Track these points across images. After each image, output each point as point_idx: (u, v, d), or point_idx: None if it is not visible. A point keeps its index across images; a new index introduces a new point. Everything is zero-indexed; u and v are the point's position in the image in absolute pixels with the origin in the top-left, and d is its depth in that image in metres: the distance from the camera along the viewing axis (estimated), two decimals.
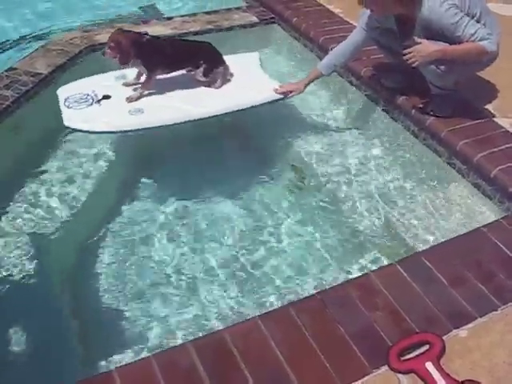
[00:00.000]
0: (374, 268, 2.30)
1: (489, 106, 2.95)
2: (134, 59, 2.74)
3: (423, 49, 2.50)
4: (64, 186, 2.84)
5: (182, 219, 2.70)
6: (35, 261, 2.41)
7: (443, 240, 2.31)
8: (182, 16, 4.08)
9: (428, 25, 2.49)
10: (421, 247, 2.43)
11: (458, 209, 2.67)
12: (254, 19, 4.10)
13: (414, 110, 2.90)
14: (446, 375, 1.65)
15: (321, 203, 2.84)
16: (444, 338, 1.76)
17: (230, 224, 2.70)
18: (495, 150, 2.61)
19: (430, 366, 1.67)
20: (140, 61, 2.77)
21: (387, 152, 3.11)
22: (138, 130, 2.71)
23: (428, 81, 2.76)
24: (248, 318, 1.91)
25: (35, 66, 3.28)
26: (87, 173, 2.94)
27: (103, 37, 3.44)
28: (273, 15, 4.15)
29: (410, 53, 2.52)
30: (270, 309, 2.11)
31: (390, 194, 2.85)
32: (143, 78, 2.89)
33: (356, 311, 1.86)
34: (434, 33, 2.49)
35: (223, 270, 2.45)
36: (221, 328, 1.87)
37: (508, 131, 2.77)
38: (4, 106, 2.89)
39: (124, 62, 2.73)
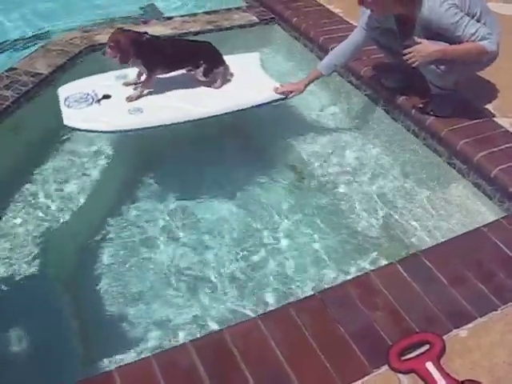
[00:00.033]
0: (373, 268, 2.30)
1: (489, 106, 2.95)
2: (134, 58, 2.74)
3: (423, 49, 2.50)
4: (64, 186, 2.84)
5: (181, 219, 2.70)
6: (35, 261, 2.41)
7: (443, 240, 2.31)
8: (182, 16, 4.09)
9: (428, 25, 2.49)
10: (420, 247, 2.43)
11: (458, 208, 2.67)
12: (254, 19, 4.10)
13: (414, 110, 2.90)
14: (446, 375, 1.65)
15: (321, 203, 2.84)
16: (444, 337, 1.76)
17: (229, 224, 2.69)
18: (495, 149, 2.61)
19: (430, 365, 1.67)
20: (140, 60, 2.77)
21: (387, 152, 3.11)
22: (138, 129, 2.71)
23: (428, 81, 2.76)
24: (248, 318, 1.91)
25: (35, 66, 3.28)
26: (87, 173, 2.94)
27: (103, 37, 3.44)
28: (273, 15, 4.15)
29: (410, 53, 2.52)
30: (270, 309, 2.11)
31: (389, 194, 2.84)
32: (143, 78, 2.89)
33: (356, 311, 1.86)
34: (434, 33, 2.49)
35: (223, 270, 2.45)
36: (221, 328, 1.87)
37: (508, 131, 2.77)
38: (4, 106, 2.89)
39: (124, 62, 2.73)
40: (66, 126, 2.67)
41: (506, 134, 2.75)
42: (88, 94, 2.84)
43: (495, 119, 2.85)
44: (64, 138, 3.10)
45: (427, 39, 2.50)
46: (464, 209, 2.65)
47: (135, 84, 2.93)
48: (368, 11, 2.68)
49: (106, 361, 2.02)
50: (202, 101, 2.88)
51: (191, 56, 2.94)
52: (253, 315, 1.91)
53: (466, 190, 2.68)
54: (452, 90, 2.76)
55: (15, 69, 3.23)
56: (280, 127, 3.31)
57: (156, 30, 3.69)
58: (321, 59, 3.05)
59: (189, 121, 2.77)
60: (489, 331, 1.81)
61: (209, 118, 2.82)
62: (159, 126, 2.73)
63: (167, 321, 2.22)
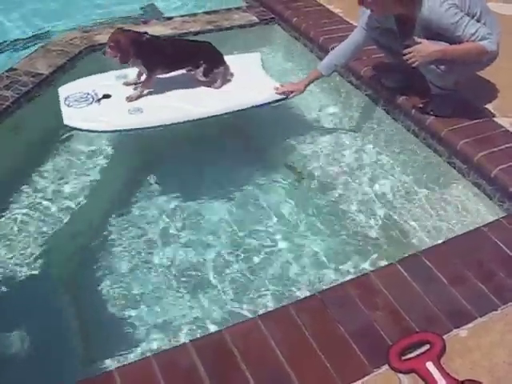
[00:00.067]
0: (372, 269, 2.30)
1: (489, 106, 2.95)
2: (134, 58, 2.74)
3: (423, 49, 2.50)
4: (64, 186, 2.84)
5: (181, 219, 2.70)
6: (35, 261, 2.41)
7: (443, 239, 2.31)
8: (182, 16, 4.09)
9: (428, 25, 2.48)
10: (420, 247, 2.43)
11: (458, 208, 2.67)
12: (254, 19, 4.10)
13: (414, 110, 2.90)
14: (446, 375, 1.65)
15: (320, 203, 2.84)
16: (444, 337, 1.76)
17: (229, 224, 2.69)
18: (495, 149, 2.61)
19: (430, 365, 1.67)
20: (140, 60, 2.77)
21: (387, 152, 3.11)
22: (138, 129, 2.71)
23: (428, 81, 2.76)
24: (248, 318, 1.91)
25: (35, 66, 3.28)
26: (87, 173, 2.94)
27: (103, 37, 3.44)
28: (273, 15, 4.15)
29: (409, 53, 2.52)
30: (270, 309, 2.11)
31: (389, 194, 2.84)
32: (143, 78, 2.89)
33: (356, 311, 1.86)
34: (434, 33, 2.48)
35: (223, 269, 2.45)
36: (221, 328, 1.87)
37: (508, 131, 2.77)
38: (4, 106, 2.89)
39: (124, 61, 2.74)
40: (65, 125, 2.67)
41: (506, 134, 2.75)
42: (88, 94, 2.85)
43: (495, 119, 2.85)
44: (64, 138, 3.09)
45: (427, 39, 2.50)
46: (464, 209, 2.65)
47: (135, 84, 2.93)
48: (368, 11, 2.68)
49: (106, 361, 2.02)
50: (201, 101, 2.88)
51: (191, 56, 2.94)
52: (253, 316, 1.90)
53: (466, 189, 2.68)
54: (452, 90, 2.76)
55: (15, 69, 3.23)
56: (280, 127, 3.31)
57: (156, 29, 3.69)
58: (321, 59, 3.05)
59: (189, 121, 2.77)
60: (489, 331, 1.81)
61: (209, 118, 2.82)
62: (159, 126, 2.73)
63: (167, 321, 2.22)
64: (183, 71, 2.97)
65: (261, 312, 2.09)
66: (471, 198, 2.65)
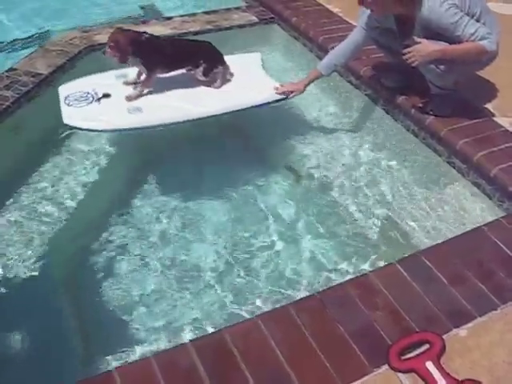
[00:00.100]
0: (372, 269, 2.30)
1: (488, 106, 2.95)
2: (133, 58, 2.74)
3: (423, 48, 2.50)
4: (64, 186, 2.84)
5: (181, 219, 2.70)
6: (35, 261, 2.41)
7: (443, 239, 2.31)
8: (182, 16, 4.09)
9: (428, 24, 2.48)
10: (420, 247, 2.43)
11: (458, 208, 2.67)
12: (254, 19, 4.10)
13: (413, 110, 2.90)
14: (446, 374, 1.65)
15: (320, 203, 2.84)
16: (444, 337, 1.76)
17: (229, 224, 2.69)
18: (495, 149, 2.61)
19: (430, 365, 1.67)
20: (139, 60, 2.77)
21: (387, 152, 3.11)
22: (137, 128, 2.72)
23: (428, 80, 2.76)
24: (248, 318, 1.91)
25: (35, 66, 3.28)
26: (87, 173, 2.93)
27: (103, 37, 3.44)
28: (272, 15, 4.15)
29: (409, 52, 2.52)
30: (270, 309, 2.11)
31: (388, 194, 2.84)
32: (143, 77, 2.89)
33: (356, 310, 1.86)
34: (434, 32, 2.49)
35: (223, 269, 2.45)
36: (221, 328, 1.87)
37: (508, 130, 2.77)
38: (4, 106, 2.89)
39: (123, 61, 2.74)
40: (65, 124, 2.67)
41: (506, 134, 2.75)
42: (88, 93, 2.85)
43: (495, 119, 2.85)
44: (64, 138, 3.09)
45: (427, 39, 2.50)
46: (463, 208, 2.65)
47: (135, 83, 2.93)
48: (368, 11, 2.68)
49: (106, 361, 2.02)
50: (201, 100, 2.88)
51: (191, 56, 2.94)
52: (252, 316, 1.90)
53: (466, 189, 2.68)
54: (452, 90, 2.76)
55: (15, 69, 3.23)
56: (280, 127, 3.31)
57: (156, 29, 3.69)
58: (320, 59, 3.05)
59: (188, 120, 2.77)
60: (488, 331, 1.81)
61: (208, 117, 2.82)
62: (159, 126, 2.73)
63: (167, 321, 2.22)
64: (183, 71, 2.97)
65: (260, 312, 2.09)
66: (471, 197, 2.65)
